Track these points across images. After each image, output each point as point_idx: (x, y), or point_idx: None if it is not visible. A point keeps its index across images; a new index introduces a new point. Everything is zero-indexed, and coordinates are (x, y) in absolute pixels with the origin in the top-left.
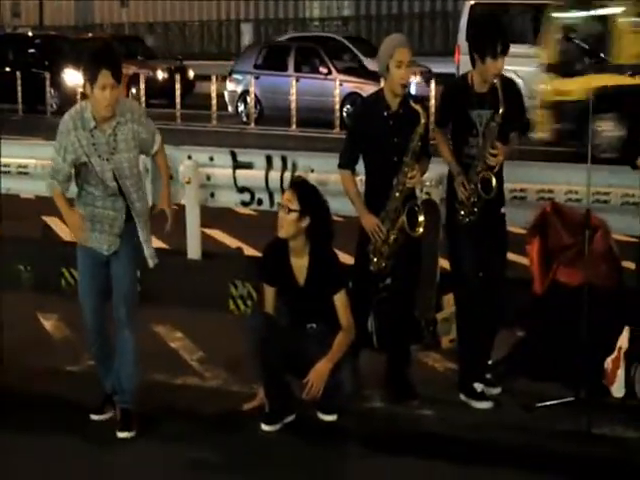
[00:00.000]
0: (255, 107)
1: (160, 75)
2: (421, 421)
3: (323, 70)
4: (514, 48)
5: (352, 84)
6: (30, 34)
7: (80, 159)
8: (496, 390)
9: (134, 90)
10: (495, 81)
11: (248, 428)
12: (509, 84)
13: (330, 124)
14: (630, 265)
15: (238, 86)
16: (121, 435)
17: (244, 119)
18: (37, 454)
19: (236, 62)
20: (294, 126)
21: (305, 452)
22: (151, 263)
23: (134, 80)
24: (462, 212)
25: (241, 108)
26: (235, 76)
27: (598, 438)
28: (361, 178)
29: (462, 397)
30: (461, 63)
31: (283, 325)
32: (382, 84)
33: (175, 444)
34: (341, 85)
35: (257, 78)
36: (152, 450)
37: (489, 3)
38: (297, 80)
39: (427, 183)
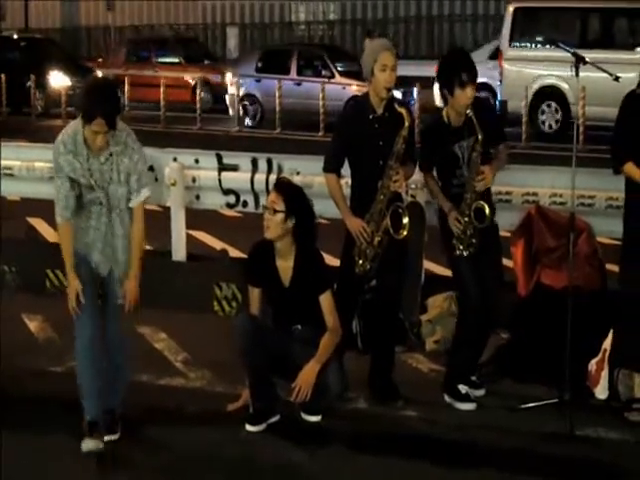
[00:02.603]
0: (256, 110)
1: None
2: (405, 422)
3: (326, 73)
4: (557, 53)
5: (356, 87)
6: (15, 37)
7: (78, 180)
8: (480, 392)
9: (202, 94)
10: (468, 112)
11: (232, 429)
12: (480, 104)
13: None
14: (614, 268)
15: (239, 90)
16: (105, 438)
17: (247, 123)
18: (19, 454)
19: (237, 65)
20: (288, 130)
21: (289, 453)
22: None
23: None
24: (460, 246)
25: (242, 111)
26: (236, 80)
27: (581, 439)
28: (347, 181)
29: (446, 398)
30: (504, 70)
31: (269, 326)
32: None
33: (159, 444)
34: (344, 88)
35: (258, 81)
36: (136, 450)
37: (532, 7)
38: (299, 84)
39: (413, 186)
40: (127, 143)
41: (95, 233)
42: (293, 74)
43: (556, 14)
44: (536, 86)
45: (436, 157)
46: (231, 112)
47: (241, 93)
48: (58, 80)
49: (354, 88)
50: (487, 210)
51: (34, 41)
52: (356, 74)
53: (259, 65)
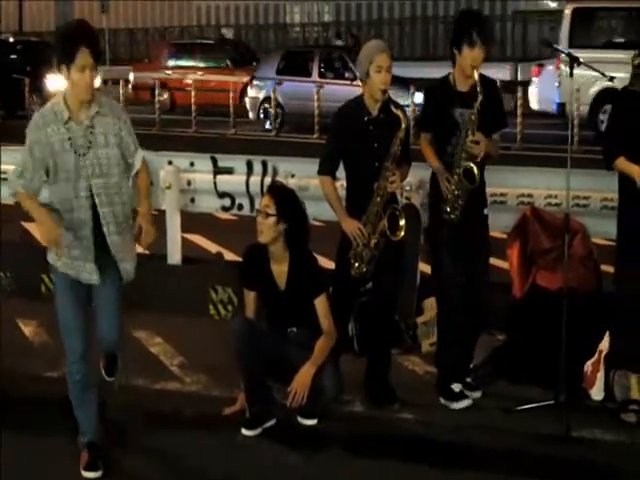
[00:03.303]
0: (277, 114)
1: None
2: (401, 424)
3: (349, 76)
4: (618, 54)
5: None
6: (11, 40)
7: (49, 158)
8: (477, 394)
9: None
10: (475, 75)
11: (228, 433)
12: (489, 83)
13: None
14: (610, 269)
15: (260, 92)
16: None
17: (267, 126)
18: (19, 456)
19: (257, 68)
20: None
21: (285, 456)
22: (124, 278)
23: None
24: (447, 208)
25: (263, 115)
26: (256, 82)
27: (577, 441)
28: (342, 183)
29: (442, 400)
30: (562, 72)
31: (264, 329)
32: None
33: (154, 449)
34: None
35: (279, 84)
36: (131, 455)
37: (591, 7)
38: (321, 86)
39: (407, 188)
40: (112, 104)
41: (80, 239)
42: (315, 76)
43: (616, 15)
44: (595, 89)
45: (435, 119)
46: (251, 115)
47: (261, 96)
48: (55, 83)
49: None
50: (476, 171)
51: (30, 44)
52: None
53: (280, 67)
